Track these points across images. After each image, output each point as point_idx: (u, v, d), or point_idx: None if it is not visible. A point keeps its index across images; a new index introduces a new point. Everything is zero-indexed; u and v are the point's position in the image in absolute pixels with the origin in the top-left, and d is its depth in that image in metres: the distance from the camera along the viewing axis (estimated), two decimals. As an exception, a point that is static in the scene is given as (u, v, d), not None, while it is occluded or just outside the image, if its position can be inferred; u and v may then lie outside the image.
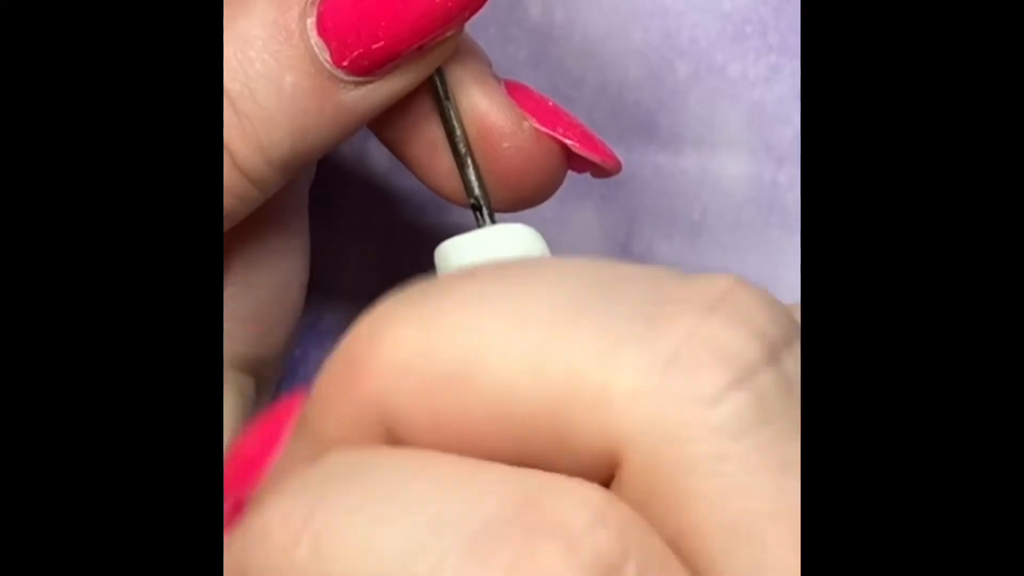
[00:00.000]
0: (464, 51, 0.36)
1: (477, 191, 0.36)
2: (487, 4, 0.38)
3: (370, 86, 0.35)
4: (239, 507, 0.30)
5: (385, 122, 0.36)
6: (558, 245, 0.45)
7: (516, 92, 0.37)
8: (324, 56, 0.34)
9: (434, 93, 0.36)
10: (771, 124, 0.44)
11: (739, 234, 0.44)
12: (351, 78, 0.34)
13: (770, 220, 0.44)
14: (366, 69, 0.34)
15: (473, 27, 0.43)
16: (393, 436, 0.27)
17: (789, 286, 0.44)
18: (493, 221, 0.37)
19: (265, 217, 0.37)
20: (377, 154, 0.39)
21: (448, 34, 0.35)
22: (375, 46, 0.34)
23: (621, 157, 0.44)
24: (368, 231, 0.45)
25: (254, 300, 0.37)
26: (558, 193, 0.38)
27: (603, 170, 0.38)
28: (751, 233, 0.44)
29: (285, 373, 0.45)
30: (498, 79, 0.37)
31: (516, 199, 0.37)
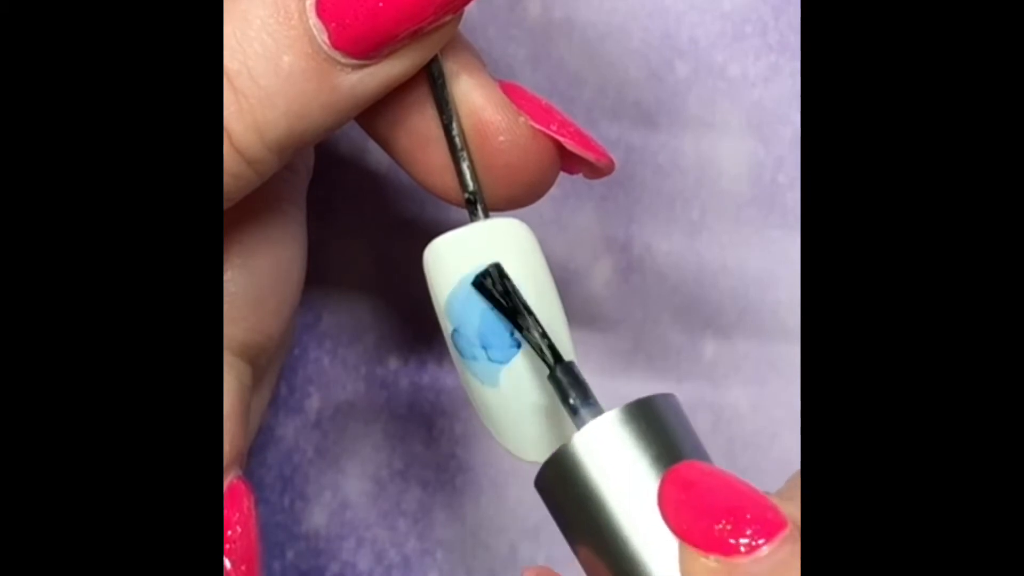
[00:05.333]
0: (459, 48, 0.36)
1: (472, 185, 0.36)
2: (487, 3, 0.38)
3: (367, 70, 0.35)
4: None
5: (376, 115, 0.36)
6: (558, 246, 0.45)
7: (510, 91, 0.37)
8: (322, 38, 0.34)
9: (431, 85, 0.36)
10: (771, 124, 0.44)
11: (739, 234, 0.44)
12: (349, 61, 0.34)
13: (770, 220, 0.44)
14: (364, 52, 0.34)
15: (473, 27, 0.43)
16: None
17: (789, 286, 0.44)
18: (487, 216, 0.36)
19: (264, 203, 0.37)
20: (377, 153, 0.39)
21: (446, 18, 0.35)
22: (373, 28, 0.34)
23: (620, 157, 0.44)
24: (368, 231, 0.45)
25: (253, 285, 0.37)
26: (558, 194, 0.38)
27: (597, 170, 0.38)
28: (751, 233, 0.44)
29: (284, 372, 0.45)
30: (493, 78, 0.37)
31: (509, 196, 0.37)
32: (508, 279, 0.35)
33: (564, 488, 0.33)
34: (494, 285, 0.35)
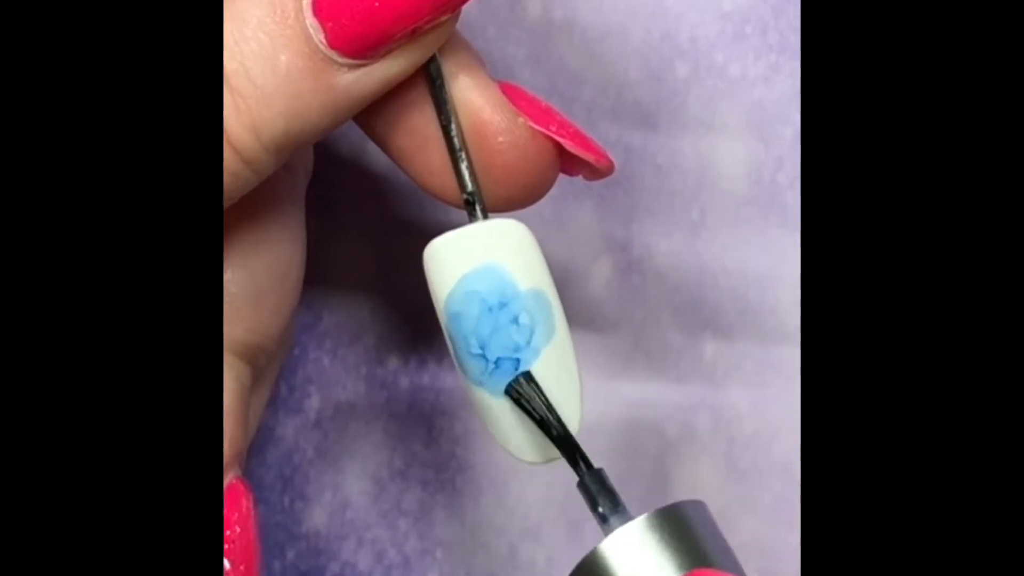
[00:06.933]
0: (458, 48, 0.36)
1: (471, 186, 0.36)
2: (487, 3, 0.38)
3: (364, 70, 0.35)
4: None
5: (375, 115, 0.36)
6: (557, 245, 0.45)
7: (510, 92, 0.37)
8: (319, 37, 0.34)
9: (429, 85, 0.36)
10: (770, 124, 0.44)
11: (739, 234, 0.44)
12: (346, 60, 0.35)
13: (770, 220, 0.44)
14: (361, 51, 0.34)
15: (473, 27, 0.43)
16: None
17: (789, 285, 0.44)
18: (486, 217, 0.36)
19: (263, 204, 0.37)
20: (376, 153, 0.39)
21: (443, 18, 0.35)
22: (370, 28, 0.34)
23: (620, 157, 0.44)
24: (368, 231, 0.45)
25: (252, 285, 0.37)
26: (557, 193, 0.38)
27: (596, 171, 0.38)
28: (751, 233, 0.44)
29: (284, 372, 0.45)
30: (492, 79, 0.37)
31: (508, 197, 0.37)
32: (536, 386, 0.35)
33: None
34: (523, 392, 0.35)
